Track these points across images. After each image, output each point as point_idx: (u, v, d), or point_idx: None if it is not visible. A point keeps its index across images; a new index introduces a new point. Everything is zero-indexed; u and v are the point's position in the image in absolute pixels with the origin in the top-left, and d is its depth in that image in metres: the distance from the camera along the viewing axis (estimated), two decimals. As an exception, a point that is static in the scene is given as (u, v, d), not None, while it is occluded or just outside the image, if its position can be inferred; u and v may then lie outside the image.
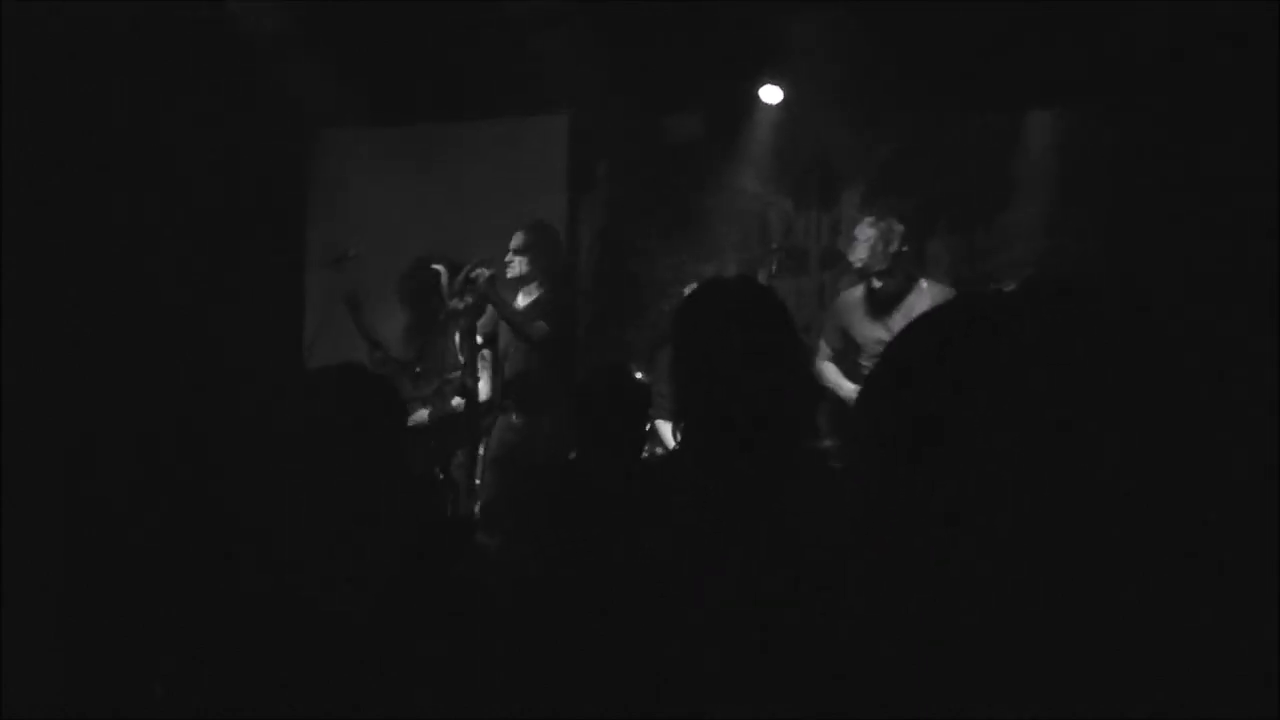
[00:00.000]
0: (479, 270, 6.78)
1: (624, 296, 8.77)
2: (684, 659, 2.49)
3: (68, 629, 4.65)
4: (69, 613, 4.74)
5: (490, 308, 6.84)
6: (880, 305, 6.38)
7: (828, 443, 6.17)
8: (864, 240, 6.42)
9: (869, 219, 6.52)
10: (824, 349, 6.57)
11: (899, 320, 6.27)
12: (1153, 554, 1.63)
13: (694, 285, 6.70)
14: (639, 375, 7.06)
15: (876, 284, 6.40)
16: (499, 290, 6.82)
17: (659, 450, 6.72)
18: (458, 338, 6.93)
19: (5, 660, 4.20)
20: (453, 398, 6.94)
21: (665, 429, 6.81)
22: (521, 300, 7.06)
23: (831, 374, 6.48)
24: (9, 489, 5.10)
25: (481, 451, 6.96)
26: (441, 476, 6.90)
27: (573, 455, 7.20)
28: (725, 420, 2.64)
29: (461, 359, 6.89)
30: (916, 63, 7.48)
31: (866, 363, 6.35)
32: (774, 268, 7.16)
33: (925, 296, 6.29)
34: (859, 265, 6.47)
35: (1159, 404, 1.28)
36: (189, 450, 6.82)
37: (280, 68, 8.20)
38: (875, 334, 6.35)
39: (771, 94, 8.19)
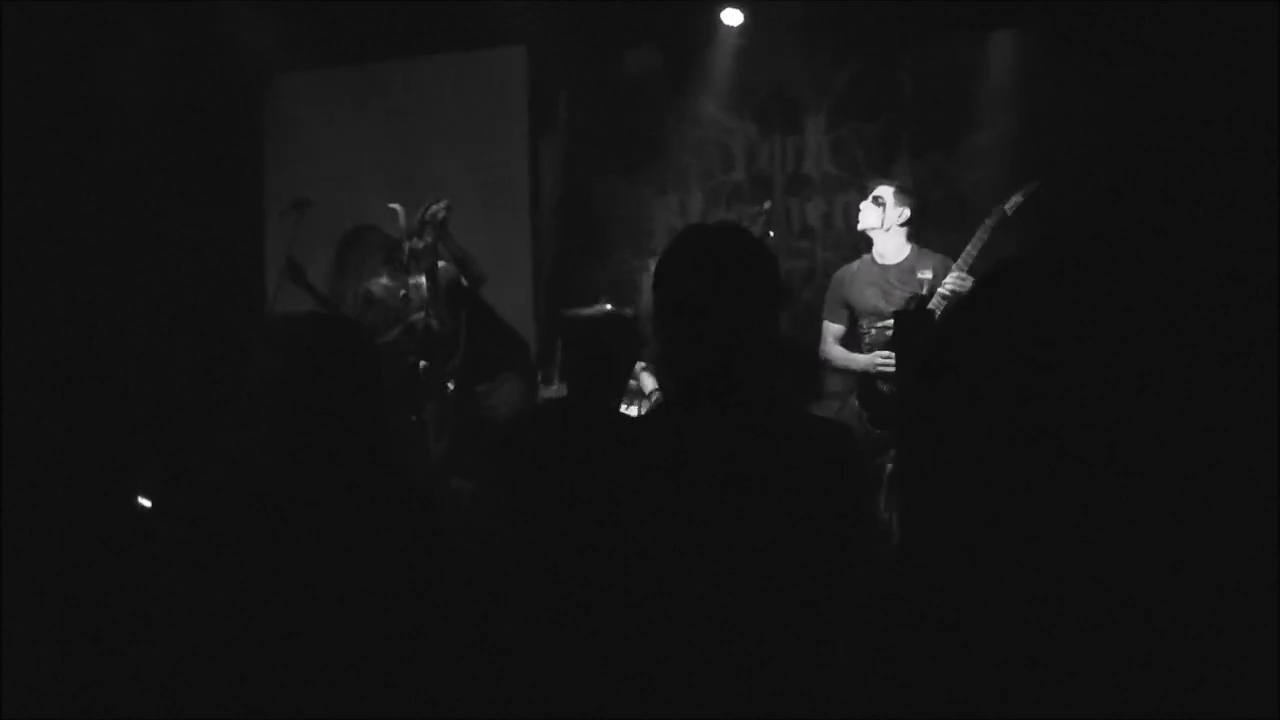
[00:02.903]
0: (435, 207, 6.70)
1: (588, 232, 8.66)
2: (664, 621, 2.45)
3: (68, 629, 4.64)
4: (69, 613, 4.74)
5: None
6: (881, 272, 6.33)
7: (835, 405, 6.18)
8: (885, 217, 6.33)
9: (886, 187, 6.41)
10: (830, 329, 6.50)
11: (899, 285, 6.25)
12: (1154, 554, 1.59)
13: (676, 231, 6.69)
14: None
15: (881, 257, 6.34)
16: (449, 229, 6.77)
17: (638, 399, 6.68)
18: (421, 279, 6.86)
19: (5, 660, 4.19)
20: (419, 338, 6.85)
21: (646, 377, 6.78)
22: None
23: (840, 355, 6.43)
24: (9, 489, 5.09)
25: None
26: (414, 419, 6.84)
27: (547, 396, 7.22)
28: (710, 374, 2.57)
29: (423, 296, 6.82)
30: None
31: (873, 329, 6.30)
32: (764, 227, 7.02)
33: (925, 260, 6.25)
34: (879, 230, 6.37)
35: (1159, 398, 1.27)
36: (155, 410, 6.83)
37: (228, 15, 8.06)
38: (877, 300, 6.30)
39: (733, 17, 8.08)
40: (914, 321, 5.36)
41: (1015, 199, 6.06)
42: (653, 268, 2.72)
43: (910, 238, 6.38)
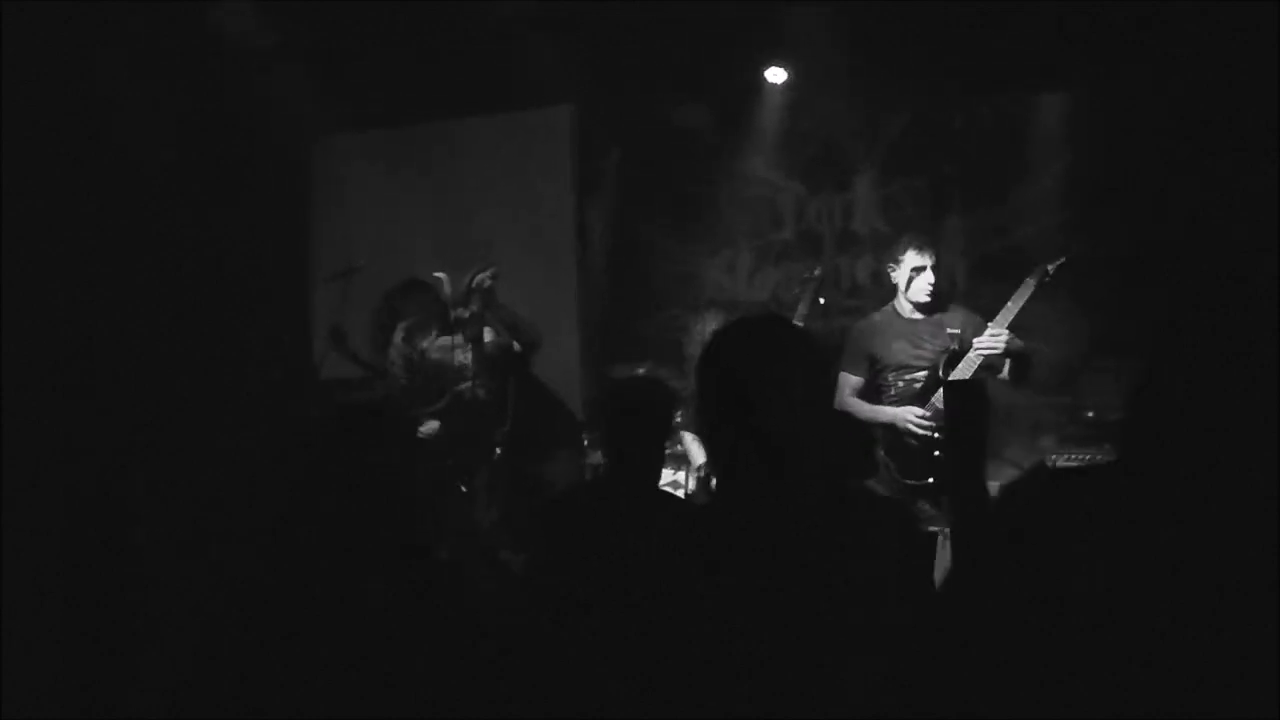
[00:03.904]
0: (482, 275, 6.67)
1: (636, 290, 8.62)
2: (705, 696, 2.42)
3: (68, 629, 4.66)
4: (68, 613, 4.76)
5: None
6: (909, 325, 6.24)
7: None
8: (918, 280, 6.24)
9: (915, 251, 6.32)
10: (848, 381, 6.39)
11: (929, 339, 6.13)
12: (1154, 554, 1.55)
13: (721, 322, 6.64)
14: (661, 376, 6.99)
15: (912, 312, 6.24)
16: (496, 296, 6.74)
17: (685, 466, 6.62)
18: (462, 347, 6.82)
19: (5, 660, 4.21)
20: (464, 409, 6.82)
21: (695, 447, 6.70)
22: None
23: (865, 409, 6.32)
24: (9, 489, 5.13)
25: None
26: (464, 489, 6.80)
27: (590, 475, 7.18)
28: (759, 466, 2.55)
29: (471, 367, 6.77)
30: (922, 47, 7.35)
31: (899, 382, 6.19)
32: (808, 303, 6.94)
33: (952, 314, 6.16)
34: (919, 303, 6.28)
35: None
36: (200, 465, 6.86)
37: (275, 80, 8.10)
38: (905, 354, 6.17)
39: (777, 75, 8.05)
40: (967, 390, 5.27)
41: (1058, 261, 5.97)
42: (694, 334, 2.73)
43: (936, 292, 6.28)
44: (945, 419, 5.67)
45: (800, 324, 6.63)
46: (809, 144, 8.30)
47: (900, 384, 6.16)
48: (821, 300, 7.07)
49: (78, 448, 6.03)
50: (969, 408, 5.02)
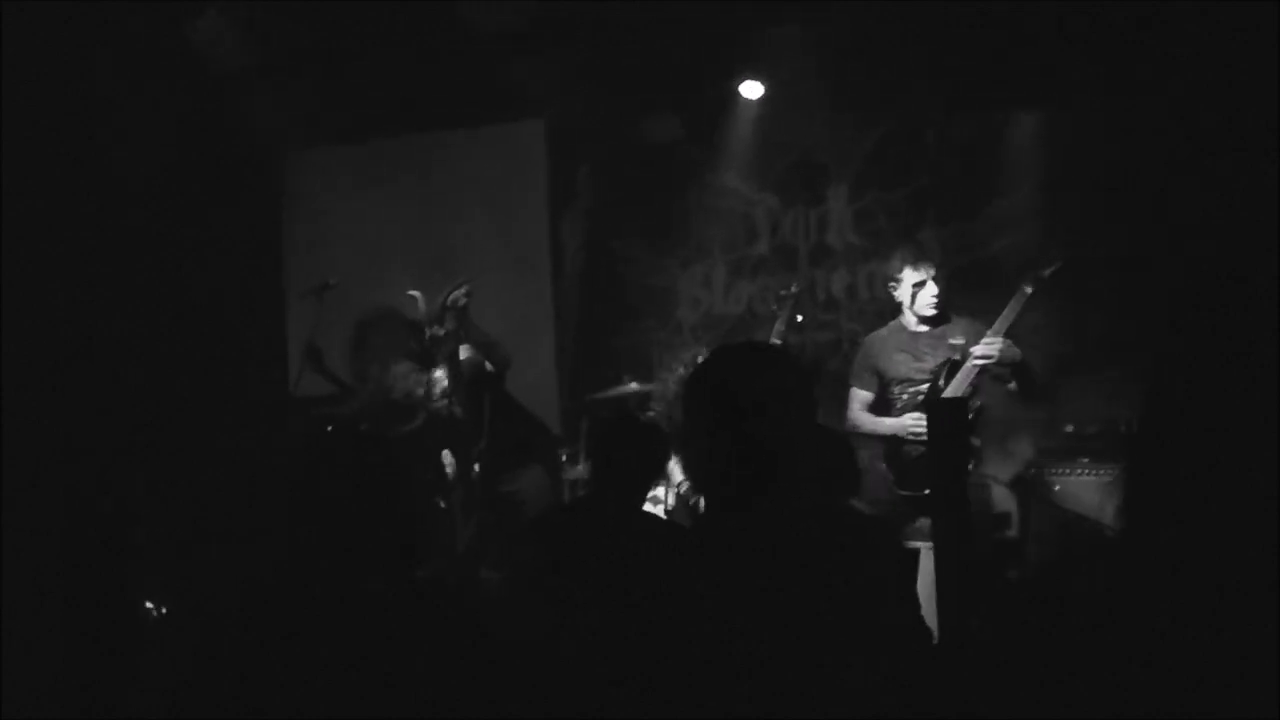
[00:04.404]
0: (457, 293, 6.64)
1: (611, 304, 8.60)
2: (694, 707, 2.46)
3: (68, 629, 4.64)
4: (68, 613, 4.74)
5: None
6: (912, 339, 6.25)
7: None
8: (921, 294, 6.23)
9: (911, 267, 6.31)
10: (857, 396, 6.40)
11: (930, 351, 6.15)
12: (1154, 554, 1.55)
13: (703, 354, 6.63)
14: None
15: (917, 325, 6.24)
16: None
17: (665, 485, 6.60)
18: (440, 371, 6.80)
19: (5, 660, 4.20)
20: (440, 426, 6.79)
21: (674, 465, 6.71)
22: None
23: (867, 421, 6.33)
24: (9, 489, 5.11)
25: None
26: (442, 505, 6.77)
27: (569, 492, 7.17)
28: (742, 490, 2.60)
29: (445, 384, 6.75)
30: (896, 61, 7.37)
31: (904, 395, 6.21)
32: (785, 319, 6.94)
33: (956, 326, 6.17)
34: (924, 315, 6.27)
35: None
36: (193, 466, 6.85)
37: (250, 94, 8.06)
38: (908, 367, 6.21)
39: (752, 89, 8.04)
40: (947, 409, 5.28)
41: (1052, 267, 5.97)
42: (679, 372, 2.74)
43: (941, 303, 6.28)
44: (927, 435, 5.68)
45: (778, 340, 6.63)
46: (783, 157, 8.30)
47: (905, 396, 6.20)
48: (799, 317, 7.07)
49: (78, 448, 6.02)
50: (948, 425, 5.05)
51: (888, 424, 6.20)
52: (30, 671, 4.32)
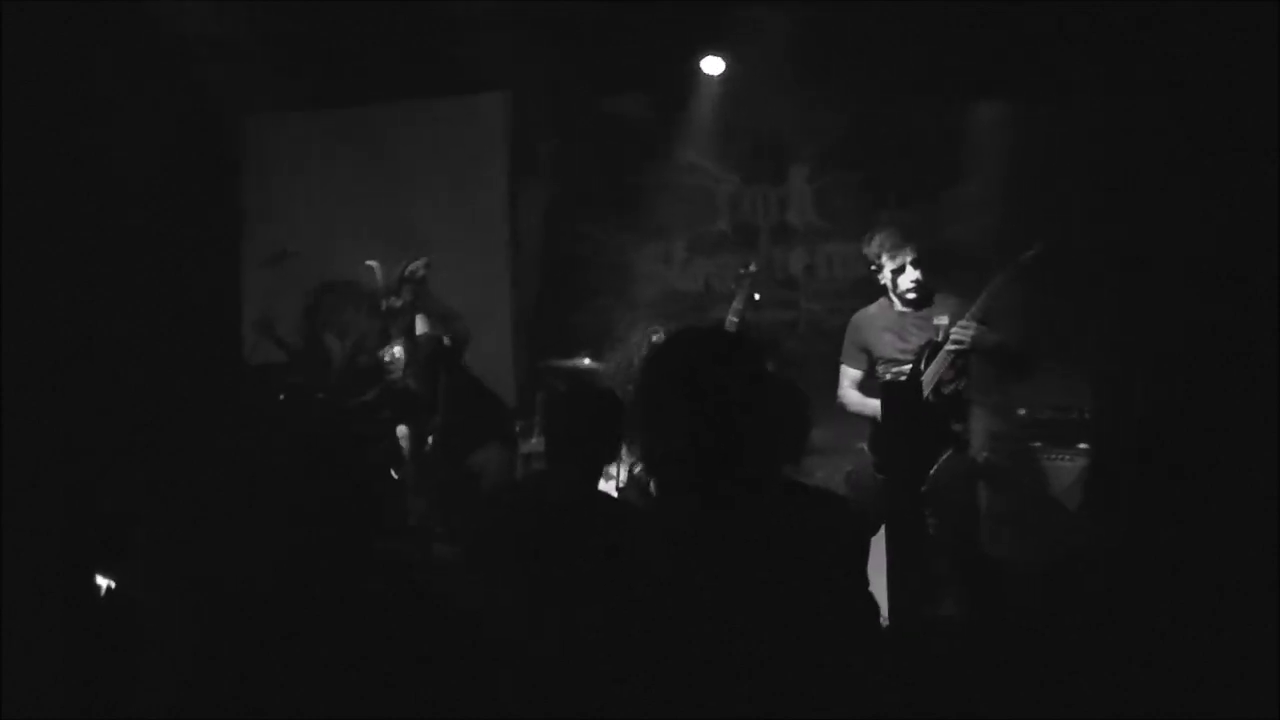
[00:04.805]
0: (414, 265, 6.61)
1: (569, 279, 8.58)
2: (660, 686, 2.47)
3: (68, 629, 4.62)
4: (68, 613, 4.72)
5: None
6: (899, 317, 6.24)
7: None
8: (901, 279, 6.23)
9: (889, 255, 6.30)
10: (847, 374, 6.39)
11: (915, 330, 6.13)
12: (1154, 554, 1.56)
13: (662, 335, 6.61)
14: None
15: (902, 306, 6.23)
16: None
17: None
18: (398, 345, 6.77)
19: (5, 660, 4.19)
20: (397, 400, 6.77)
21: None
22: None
23: (855, 400, 6.31)
24: (9, 489, 5.08)
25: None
26: (396, 477, 6.75)
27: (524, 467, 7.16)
28: (698, 473, 2.62)
29: (402, 358, 6.72)
30: (861, 41, 7.39)
31: (888, 374, 6.15)
32: (743, 298, 6.90)
33: (941, 306, 6.14)
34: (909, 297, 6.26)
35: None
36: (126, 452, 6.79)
37: (208, 59, 7.98)
38: (894, 345, 6.18)
39: (714, 65, 8.02)
40: (899, 391, 5.30)
41: (1032, 251, 5.96)
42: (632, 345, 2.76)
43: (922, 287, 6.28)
44: (881, 418, 5.69)
45: (736, 318, 6.63)
46: (745, 136, 8.29)
47: (889, 376, 6.15)
48: (757, 296, 7.06)
49: (78, 447, 5.98)
50: (901, 407, 5.07)
51: (872, 405, 6.17)
52: (30, 671, 4.29)
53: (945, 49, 7.21)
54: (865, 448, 6.20)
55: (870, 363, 6.29)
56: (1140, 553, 1.69)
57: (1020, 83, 7.29)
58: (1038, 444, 6.79)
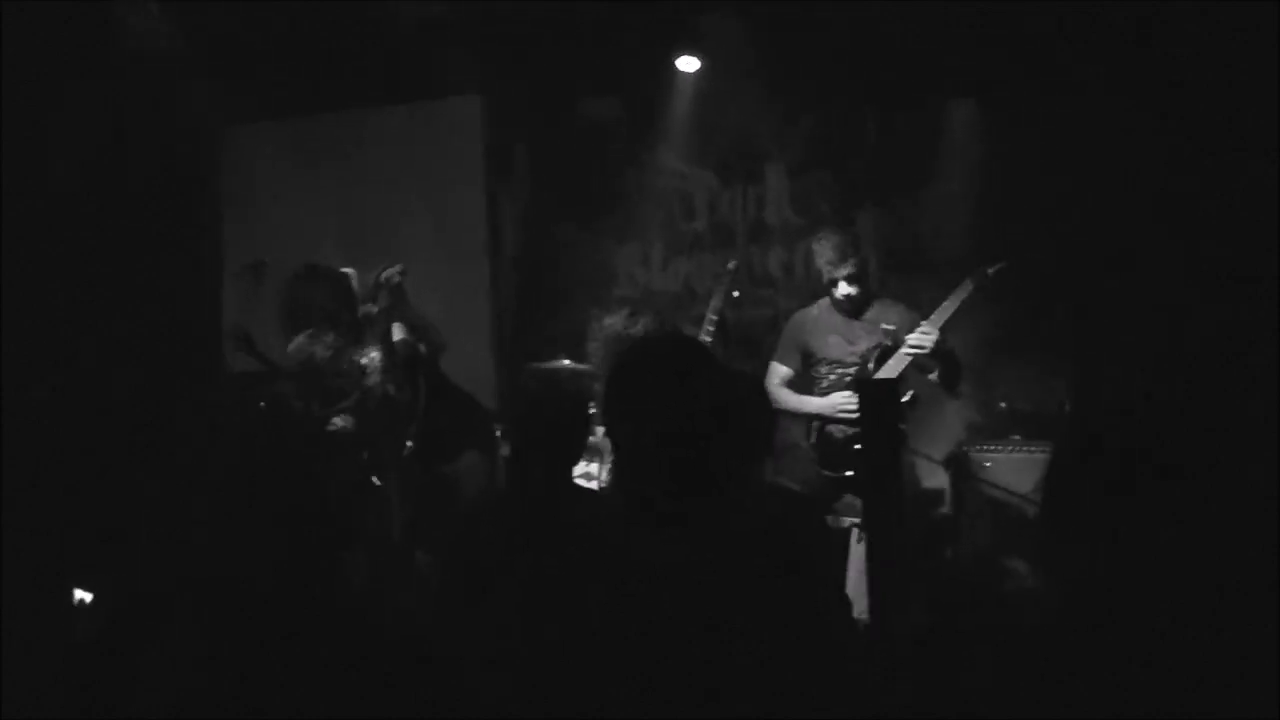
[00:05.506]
0: (390, 271, 6.58)
1: (548, 282, 8.57)
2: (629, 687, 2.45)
3: (67, 629, 4.62)
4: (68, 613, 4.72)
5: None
6: (845, 320, 6.24)
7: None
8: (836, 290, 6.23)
9: (826, 236, 6.33)
10: (777, 371, 6.40)
11: (863, 334, 6.17)
12: (1154, 554, 1.55)
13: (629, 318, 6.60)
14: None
15: (842, 298, 6.23)
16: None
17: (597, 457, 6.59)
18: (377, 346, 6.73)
19: (5, 660, 4.19)
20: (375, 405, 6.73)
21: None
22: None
23: (791, 400, 6.32)
24: (9, 489, 5.08)
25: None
26: (378, 483, 6.72)
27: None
28: (670, 484, 2.60)
29: (378, 363, 6.69)
30: (835, 38, 7.42)
31: (831, 375, 6.24)
32: (723, 295, 6.87)
33: (888, 311, 6.21)
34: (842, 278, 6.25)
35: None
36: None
37: (180, 71, 7.95)
38: (840, 349, 6.24)
39: (689, 65, 8.01)
40: (880, 392, 5.29)
41: (998, 266, 6.00)
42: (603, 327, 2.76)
43: (870, 289, 6.30)
44: (860, 418, 5.70)
45: (716, 315, 6.62)
46: (722, 136, 8.28)
47: (832, 377, 6.21)
48: (736, 293, 7.06)
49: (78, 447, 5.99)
50: (880, 406, 5.06)
51: (815, 403, 6.21)
52: (30, 671, 4.29)
53: (924, 47, 7.21)
54: (807, 445, 6.22)
55: (806, 363, 6.31)
56: (1141, 552, 1.68)
57: (1003, 82, 7.29)
58: (1017, 436, 6.80)
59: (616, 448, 2.78)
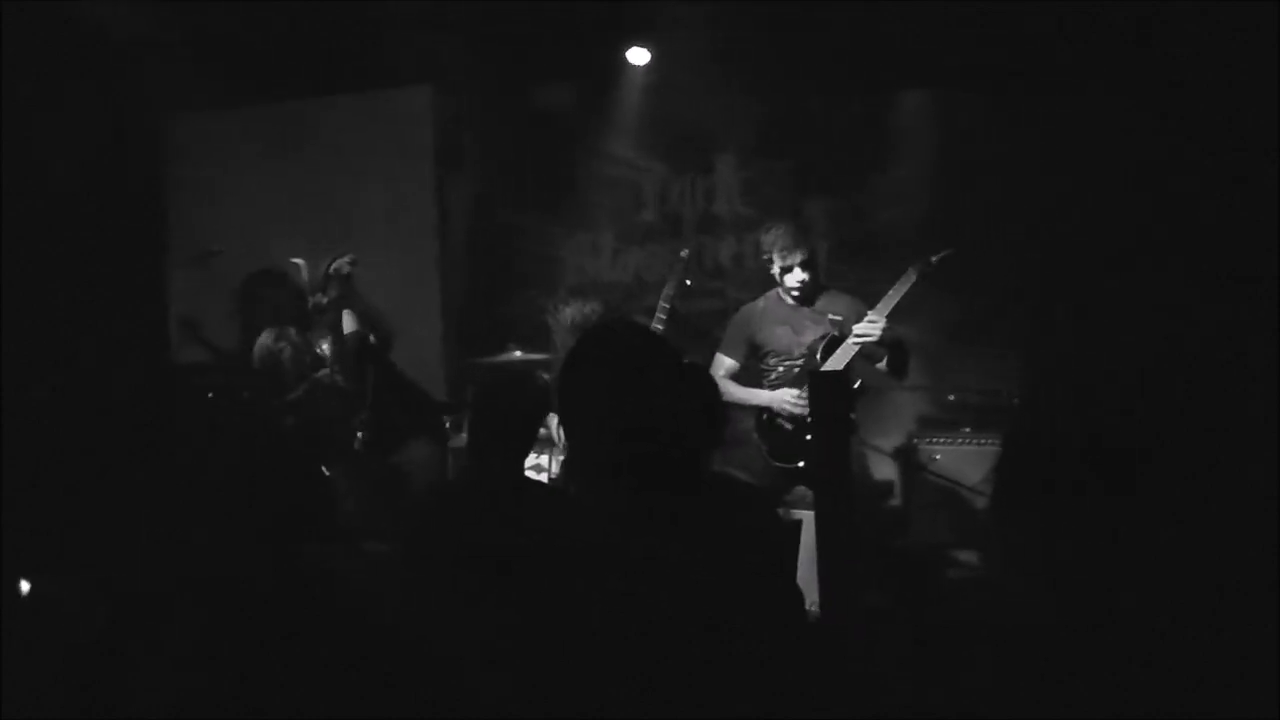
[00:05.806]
0: (340, 261, 6.55)
1: (497, 271, 8.54)
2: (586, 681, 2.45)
3: (68, 629, 4.59)
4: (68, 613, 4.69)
5: None
6: (792, 312, 6.25)
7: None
8: (787, 278, 6.24)
9: (776, 225, 6.34)
10: (722, 363, 6.40)
11: (811, 325, 6.17)
12: (1154, 554, 1.55)
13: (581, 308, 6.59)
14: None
15: (792, 295, 6.24)
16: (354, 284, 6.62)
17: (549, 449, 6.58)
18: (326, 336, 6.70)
19: (5, 660, 4.14)
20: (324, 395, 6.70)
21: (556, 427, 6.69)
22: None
23: (739, 393, 6.32)
24: (9, 487, 5.03)
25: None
26: (326, 473, 6.68)
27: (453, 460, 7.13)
28: (625, 472, 2.60)
29: (328, 353, 6.66)
30: (787, 29, 7.41)
31: (780, 367, 6.24)
32: (675, 284, 6.85)
33: (835, 301, 6.21)
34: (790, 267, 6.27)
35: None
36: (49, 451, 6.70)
37: (129, 58, 7.87)
38: (788, 340, 6.23)
39: (639, 56, 8.01)
40: (830, 382, 5.30)
41: (942, 254, 6.01)
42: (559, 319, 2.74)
43: (819, 278, 6.32)
44: (810, 409, 5.71)
45: (667, 304, 6.61)
46: (672, 126, 8.28)
47: (780, 369, 6.21)
48: (688, 282, 7.05)
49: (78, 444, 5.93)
50: (831, 398, 5.08)
51: (763, 396, 6.21)
52: (30, 671, 4.26)
53: (877, 36, 7.23)
54: (755, 436, 6.24)
55: (753, 356, 6.32)
56: (1141, 552, 1.69)
57: (999, 80, 7.30)
58: (967, 429, 6.84)
59: (571, 440, 2.75)
